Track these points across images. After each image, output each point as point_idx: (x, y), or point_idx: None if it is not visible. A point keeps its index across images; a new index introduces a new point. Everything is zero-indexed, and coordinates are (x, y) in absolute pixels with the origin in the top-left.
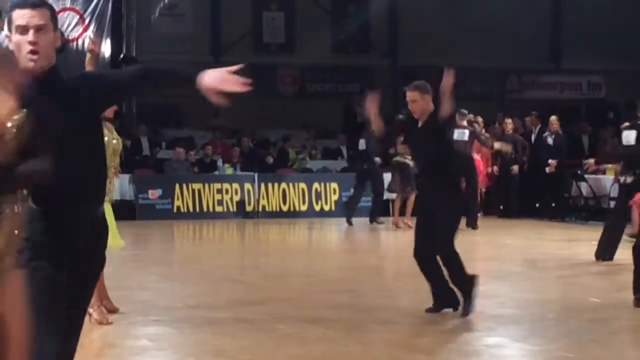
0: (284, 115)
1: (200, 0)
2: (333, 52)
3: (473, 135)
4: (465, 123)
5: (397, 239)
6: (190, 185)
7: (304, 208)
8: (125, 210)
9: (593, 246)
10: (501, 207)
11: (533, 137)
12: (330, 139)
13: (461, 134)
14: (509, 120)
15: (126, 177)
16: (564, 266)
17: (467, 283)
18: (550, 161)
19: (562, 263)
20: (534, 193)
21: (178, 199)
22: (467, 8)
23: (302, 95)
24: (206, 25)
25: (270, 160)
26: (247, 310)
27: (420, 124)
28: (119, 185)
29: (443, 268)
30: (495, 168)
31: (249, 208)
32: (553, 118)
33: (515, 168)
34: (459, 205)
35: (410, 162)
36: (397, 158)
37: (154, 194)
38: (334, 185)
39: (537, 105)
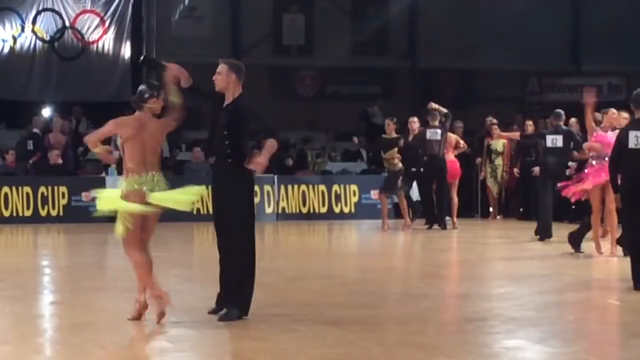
0: (304, 117)
1: (220, 3)
2: (352, 54)
3: (444, 133)
4: (437, 123)
5: (417, 241)
6: (210, 187)
7: (323, 210)
8: None
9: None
10: (521, 209)
11: None
12: (350, 141)
13: (434, 134)
14: (529, 122)
15: None
16: (583, 268)
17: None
18: (570, 164)
19: (582, 265)
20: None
21: (198, 200)
22: (487, 10)
23: (322, 97)
24: (226, 28)
25: (290, 162)
26: (267, 312)
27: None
28: None
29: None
30: (516, 170)
31: (268, 210)
32: (573, 120)
33: (536, 170)
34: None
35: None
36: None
37: None
38: (354, 187)
39: (557, 108)
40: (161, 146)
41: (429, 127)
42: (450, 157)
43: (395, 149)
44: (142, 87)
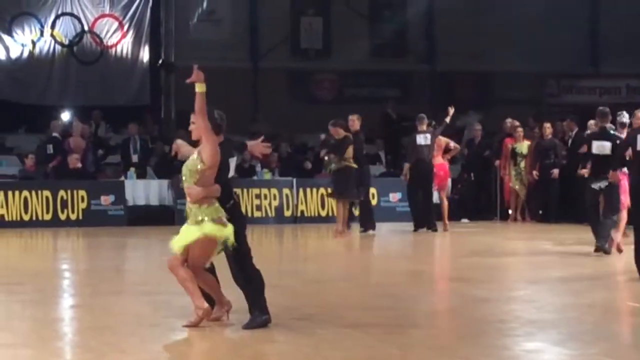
0: (322, 120)
1: (238, 6)
2: (370, 57)
3: (434, 138)
4: (425, 127)
5: (436, 243)
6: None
7: None
8: (164, 216)
9: (632, 250)
10: (540, 212)
11: (570, 141)
12: (368, 144)
13: (424, 139)
14: (547, 125)
15: (164, 182)
16: (603, 270)
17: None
18: (588, 165)
19: (601, 267)
20: (573, 197)
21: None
22: (505, 12)
23: (340, 101)
24: (244, 31)
25: (309, 165)
26: (286, 314)
27: None
28: (157, 191)
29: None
30: (535, 173)
31: (287, 213)
32: (591, 122)
33: (555, 172)
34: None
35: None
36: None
37: None
38: (372, 190)
39: (576, 110)
40: None
41: (418, 132)
42: (440, 160)
43: (351, 148)
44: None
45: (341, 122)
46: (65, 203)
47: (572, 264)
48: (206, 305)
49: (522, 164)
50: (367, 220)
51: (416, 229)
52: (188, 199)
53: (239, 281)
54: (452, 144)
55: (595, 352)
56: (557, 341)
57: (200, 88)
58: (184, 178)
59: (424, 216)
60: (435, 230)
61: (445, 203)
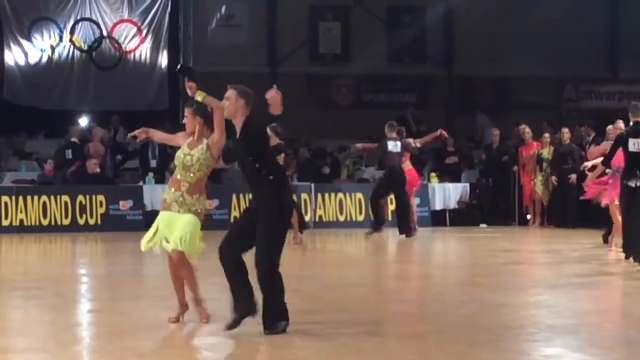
0: (340, 125)
1: (256, 11)
2: (388, 62)
3: (404, 146)
4: (395, 135)
5: (454, 249)
6: (247, 195)
7: (360, 218)
8: None
9: None
10: (559, 217)
11: (587, 146)
12: None
13: (394, 146)
14: (565, 130)
15: None
16: (622, 275)
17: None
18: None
19: (620, 272)
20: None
21: (235, 209)
22: (523, 17)
23: (358, 106)
24: (262, 36)
25: (327, 170)
26: (304, 320)
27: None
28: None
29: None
30: (554, 178)
31: (305, 218)
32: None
33: (573, 177)
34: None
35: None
36: None
37: (210, 204)
38: (391, 195)
39: (594, 115)
40: None
41: (389, 139)
42: (409, 165)
43: (282, 155)
44: None
45: (278, 129)
46: (83, 208)
47: (591, 270)
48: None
49: (547, 170)
50: (404, 224)
51: (371, 232)
52: (182, 189)
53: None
54: (412, 142)
55: (614, 358)
56: (576, 347)
57: (200, 96)
58: (180, 167)
59: (400, 222)
60: (411, 235)
61: (414, 207)
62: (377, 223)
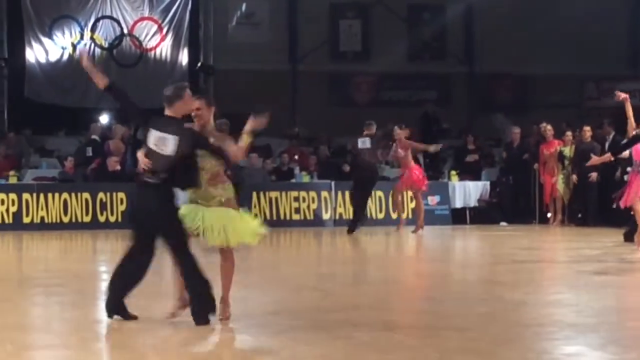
0: (360, 123)
1: (277, 9)
2: (409, 60)
3: (375, 143)
4: (372, 132)
5: (474, 247)
6: (267, 193)
7: (381, 216)
8: None
9: None
10: (579, 215)
11: (607, 145)
12: None
13: (362, 142)
14: (587, 128)
15: None
16: None
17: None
18: (628, 169)
19: (638, 269)
20: (612, 201)
21: (255, 207)
22: (544, 15)
23: (378, 103)
24: (283, 34)
25: (347, 168)
26: (324, 317)
27: None
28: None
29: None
30: (574, 176)
31: (326, 216)
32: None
33: (594, 175)
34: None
35: None
36: None
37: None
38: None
39: (615, 113)
40: None
41: (360, 137)
42: (413, 165)
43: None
44: None
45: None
46: (104, 205)
47: (611, 268)
48: None
49: (569, 168)
50: (353, 221)
51: (353, 230)
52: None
53: None
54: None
55: (635, 356)
56: (597, 345)
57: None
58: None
59: (353, 218)
60: (353, 231)
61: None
62: (353, 221)
